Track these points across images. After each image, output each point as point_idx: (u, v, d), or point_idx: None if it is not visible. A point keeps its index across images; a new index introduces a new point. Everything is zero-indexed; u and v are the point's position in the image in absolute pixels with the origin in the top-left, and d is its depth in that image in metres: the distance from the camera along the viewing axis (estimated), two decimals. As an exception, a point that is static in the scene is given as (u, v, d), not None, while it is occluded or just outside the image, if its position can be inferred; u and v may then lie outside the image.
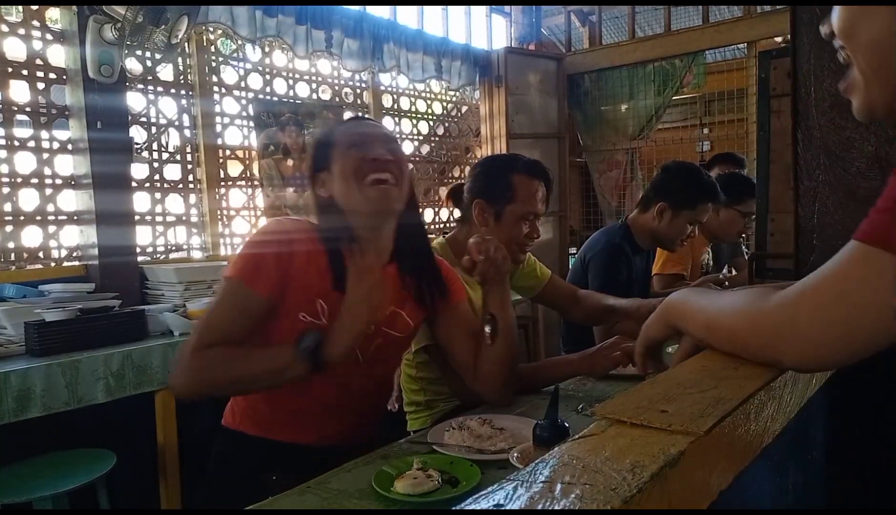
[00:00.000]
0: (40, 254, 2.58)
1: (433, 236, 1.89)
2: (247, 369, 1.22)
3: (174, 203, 3.02)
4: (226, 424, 1.40)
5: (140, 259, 2.78)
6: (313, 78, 3.66)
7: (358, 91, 3.94)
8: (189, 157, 3.07)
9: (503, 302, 1.42)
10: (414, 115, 4.32)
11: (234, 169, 3.29)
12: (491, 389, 1.45)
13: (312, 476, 1.10)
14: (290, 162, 3.48)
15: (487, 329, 1.38)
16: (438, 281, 1.45)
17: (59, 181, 2.59)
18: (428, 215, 4.46)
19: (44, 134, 2.54)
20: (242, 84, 3.30)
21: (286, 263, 1.26)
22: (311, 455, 1.29)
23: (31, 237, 2.55)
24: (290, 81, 3.54)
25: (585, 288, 2.31)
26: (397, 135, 4.19)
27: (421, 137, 4.40)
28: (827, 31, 0.67)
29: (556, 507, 0.40)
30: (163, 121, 2.95)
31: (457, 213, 1.94)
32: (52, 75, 2.56)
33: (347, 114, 3.76)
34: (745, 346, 0.68)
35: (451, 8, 4.52)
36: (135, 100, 2.82)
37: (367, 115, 3.31)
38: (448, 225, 4.42)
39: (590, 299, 2.03)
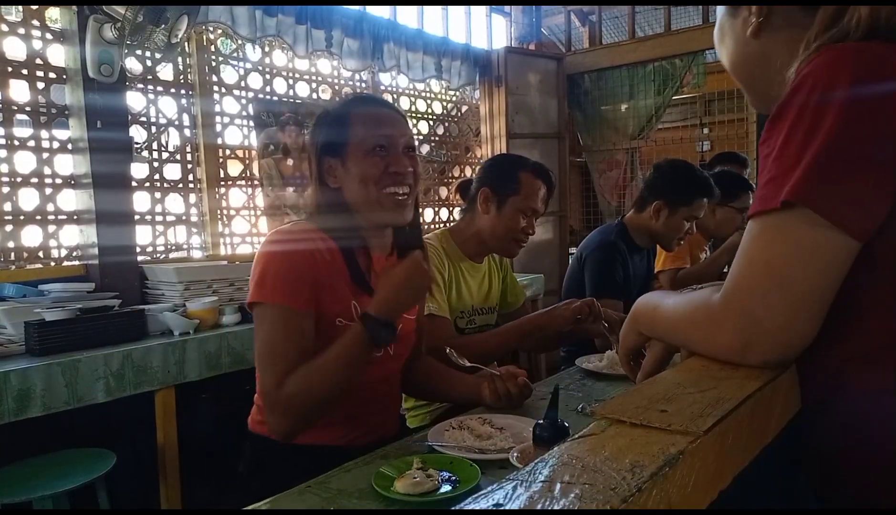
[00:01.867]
0: (40, 254, 2.58)
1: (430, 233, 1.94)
2: (330, 374, 1.19)
3: (174, 202, 3.01)
4: (255, 430, 1.36)
5: (140, 258, 2.78)
6: (313, 77, 3.66)
7: (358, 90, 3.93)
8: (189, 157, 3.07)
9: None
10: (414, 115, 4.32)
11: (234, 168, 3.29)
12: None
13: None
14: (290, 161, 3.48)
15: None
16: None
17: (58, 181, 2.59)
18: (428, 215, 4.46)
19: (44, 133, 2.54)
20: (242, 83, 3.30)
21: (314, 271, 1.25)
22: (345, 457, 1.24)
23: (31, 237, 2.55)
24: (290, 81, 3.54)
25: (582, 286, 2.32)
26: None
27: (421, 137, 4.39)
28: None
29: (556, 507, 0.40)
30: (163, 121, 2.95)
31: (457, 213, 2.01)
32: (51, 75, 2.56)
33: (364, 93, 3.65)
34: (720, 358, 0.69)
35: (451, 8, 4.52)
36: (135, 100, 2.82)
37: (378, 96, 3.12)
38: (447, 225, 4.41)
39: None
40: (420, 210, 1.47)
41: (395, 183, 1.29)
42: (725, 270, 2.75)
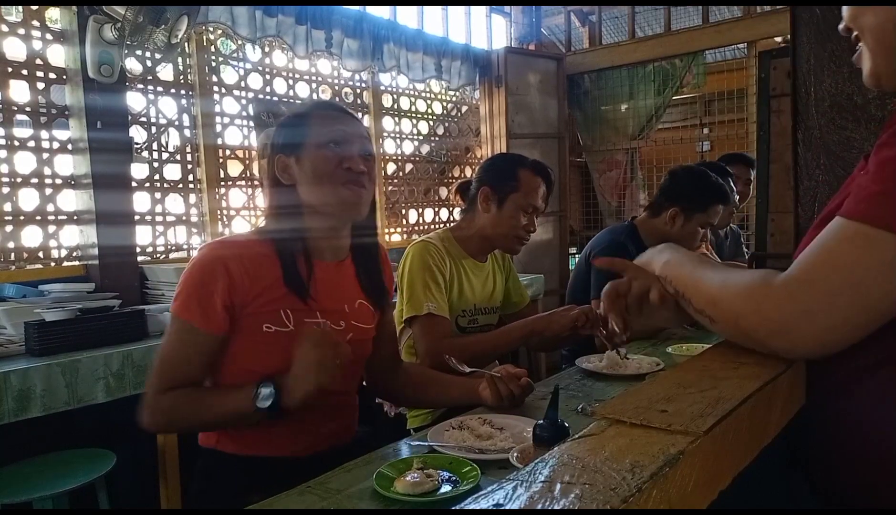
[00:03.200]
0: (40, 254, 2.58)
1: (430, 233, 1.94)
2: (208, 415, 1.23)
3: (174, 203, 3.01)
4: (204, 444, 1.36)
5: (140, 259, 2.78)
6: (313, 78, 3.66)
7: (358, 91, 3.94)
8: (189, 157, 3.07)
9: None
10: (414, 115, 4.32)
11: (234, 169, 3.29)
12: (384, 391, 1.57)
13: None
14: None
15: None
16: (382, 280, 1.47)
17: (59, 181, 2.59)
18: (428, 215, 4.46)
19: (44, 134, 2.54)
20: (242, 84, 3.30)
21: (234, 290, 1.23)
22: (295, 467, 1.22)
23: (31, 237, 2.55)
24: (290, 81, 3.54)
25: (588, 285, 2.33)
26: (380, 134, 4.19)
27: (421, 137, 4.39)
28: (841, 26, 0.78)
29: (556, 507, 0.40)
30: (163, 121, 2.95)
31: (457, 213, 2.01)
32: (52, 75, 2.56)
33: (316, 98, 3.63)
34: (748, 332, 0.68)
35: (451, 8, 4.52)
36: (135, 100, 2.82)
37: (339, 103, 3.04)
38: (448, 225, 4.41)
39: None
40: (377, 215, 1.46)
41: (349, 180, 1.28)
42: None
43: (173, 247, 3.01)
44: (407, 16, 4.21)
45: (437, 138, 4.51)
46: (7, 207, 2.46)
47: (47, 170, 2.56)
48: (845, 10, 0.77)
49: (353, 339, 1.34)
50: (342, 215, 1.32)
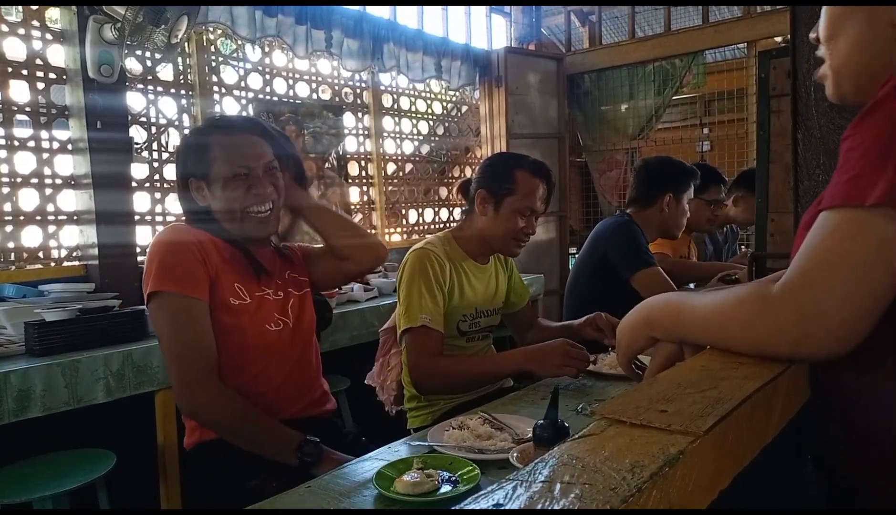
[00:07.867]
0: (40, 254, 2.58)
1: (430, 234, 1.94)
2: (255, 441, 1.31)
3: (174, 203, 3.01)
4: (189, 446, 1.41)
5: (140, 259, 2.78)
6: (313, 78, 3.66)
7: (358, 91, 3.94)
8: (189, 157, 3.06)
9: None
10: (414, 115, 4.32)
11: (234, 169, 3.28)
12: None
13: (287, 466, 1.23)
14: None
15: None
16: (296, 251, 1.62)
17: (59, 181, 2.59)
18: (428, 215, 4.46)
19: (44, 134, 2.54)
20: (242, 84, 3.30)
21: (208, 264, 1.35)
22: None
23: (31, 237, 2.55)
24: (290, 81, 3.54)
25: (594, 277, 2.38)
26: (284, 133, 4.17)
27: (421, 137, 4.39)
28: (813, 36, 0.80)
29: (556, 507, 0.40)
30: (163, 121, 2.95)
31: (457, 213, 2.00)
32: (52, 75, 2.56)
33: (220, 113, 3.29)
34: (761, 342, 0.67)
35: (451, 8, 4.52)
36: (135, 100, 2.82)
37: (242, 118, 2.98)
38: (448, 225, 4.41)
39: (544, 325, 2.11)
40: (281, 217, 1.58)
41: (258, 202, 1.40)
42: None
43: (173, 247, 3.00)
44: (407, 16, 4.21)
45: (437, 138, 4.51)
46: (7, 207, 2.46)
47: (47, 170, 2.56)
48: (822, 27, 0.77)
49: (294, 304, 1.49)
50: (252, 235, 1.45)
